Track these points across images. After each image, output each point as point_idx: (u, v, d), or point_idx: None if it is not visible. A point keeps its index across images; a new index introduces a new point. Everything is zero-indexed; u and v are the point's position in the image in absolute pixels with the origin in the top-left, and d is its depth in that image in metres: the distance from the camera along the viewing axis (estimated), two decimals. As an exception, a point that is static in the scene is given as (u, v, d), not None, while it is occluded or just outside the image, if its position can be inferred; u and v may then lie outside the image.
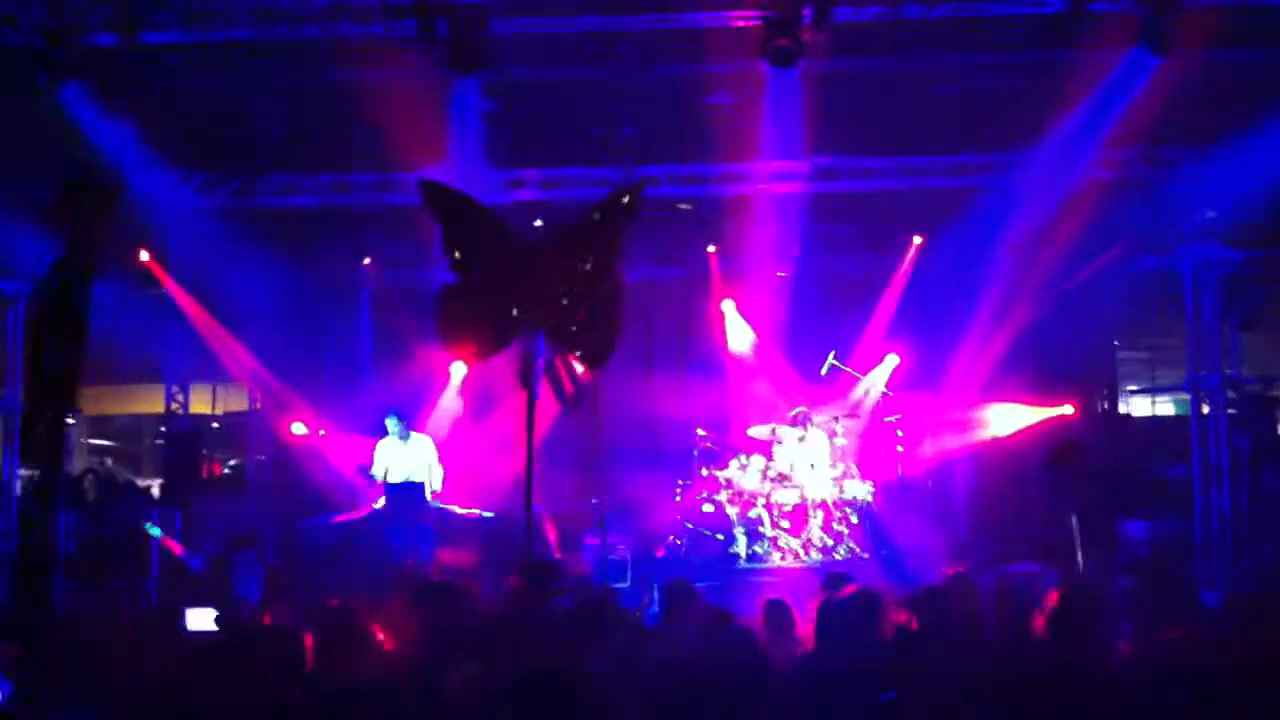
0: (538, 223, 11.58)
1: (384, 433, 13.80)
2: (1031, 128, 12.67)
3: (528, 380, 7.04)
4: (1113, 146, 12.85)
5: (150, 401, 17.28)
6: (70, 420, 19.46)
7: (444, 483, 13.97)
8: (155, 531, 13.31)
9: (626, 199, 8.11)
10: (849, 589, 7.37)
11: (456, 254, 7.45)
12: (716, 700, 5.15)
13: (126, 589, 13.06)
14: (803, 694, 5.73)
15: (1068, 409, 15.93)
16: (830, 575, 11.88)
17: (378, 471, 13.80)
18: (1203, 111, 12.05)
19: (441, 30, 11.21)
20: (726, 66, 12.06)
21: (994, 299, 15.08)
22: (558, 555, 14.53)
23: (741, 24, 11.41)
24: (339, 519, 13.79)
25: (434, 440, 14.19)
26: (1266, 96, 11.69)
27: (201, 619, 8.08)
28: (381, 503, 13.70)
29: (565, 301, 7.45)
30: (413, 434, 13.98)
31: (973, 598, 7.73)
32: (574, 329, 7.62)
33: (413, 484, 13.69)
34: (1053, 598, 6.43)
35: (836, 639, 6.31)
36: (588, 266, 7.64)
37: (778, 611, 7.85)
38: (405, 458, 13.80)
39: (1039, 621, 6.05)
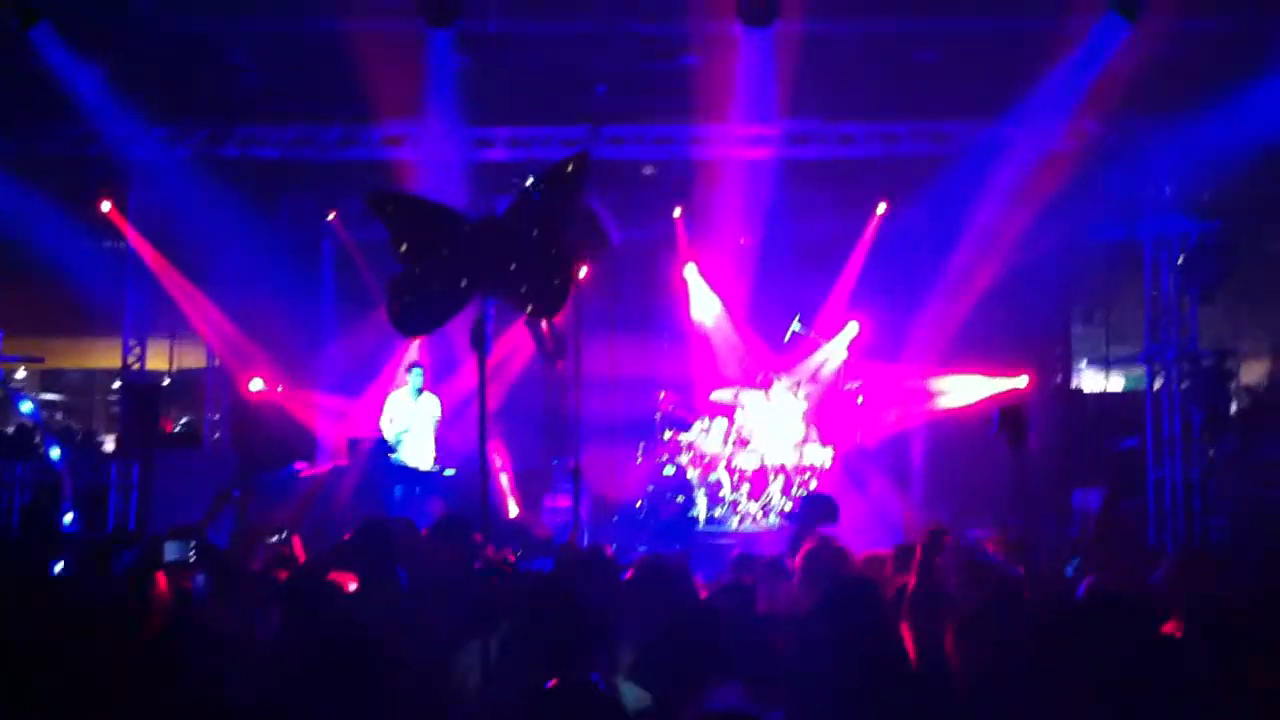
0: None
1: (375, 387, 14.00)
2: (1002, 96, 12.73)
3: (479, 343, 7.05)
4: (1080, 116, 12.93)
5: (104, 356, 17.06)
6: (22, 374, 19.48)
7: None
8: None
9: (570, 168, 8.12)
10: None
11: (403, 246, 7.46)
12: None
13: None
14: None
15: (1022, 380, 16.10)
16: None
17: (385, 422, 14.10)
18: (1169, 81, 12.16)
19: (416, -23, 11.14)
20: (700, 26, 12.03)
21: (955, 269, 15.20)
22: (514, 515, 14.63)
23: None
24: (302, 473, 13.70)
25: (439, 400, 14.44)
26: (1232, 67, 11.81)
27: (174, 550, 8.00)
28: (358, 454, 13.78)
29: (513, 268, 7.47)
30: (423, 393, 14.30)
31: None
32: (522, 290, 7.62)
33: (380, 440, 13.85)
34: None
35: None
36: (535, 234, 7.65)
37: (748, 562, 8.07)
38: (413, 414, 14.12)
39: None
